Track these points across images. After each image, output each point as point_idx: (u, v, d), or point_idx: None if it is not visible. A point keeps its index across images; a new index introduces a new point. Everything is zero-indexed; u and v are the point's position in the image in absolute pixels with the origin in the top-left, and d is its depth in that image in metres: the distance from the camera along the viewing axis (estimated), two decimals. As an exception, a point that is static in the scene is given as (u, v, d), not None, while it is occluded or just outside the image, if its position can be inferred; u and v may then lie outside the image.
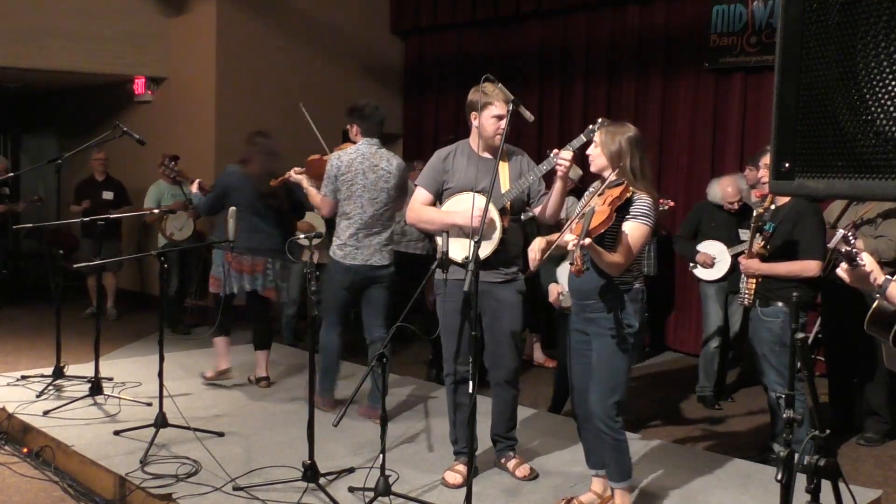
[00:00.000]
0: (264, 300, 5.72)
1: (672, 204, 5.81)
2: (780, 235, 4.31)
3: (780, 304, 4.27)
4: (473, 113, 3.99)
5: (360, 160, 4.93)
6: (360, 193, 4.90)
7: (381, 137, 5.12)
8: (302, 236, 4.24)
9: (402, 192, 5.09)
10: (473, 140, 4.07)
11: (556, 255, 5.27)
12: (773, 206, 4.35)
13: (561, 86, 8.87)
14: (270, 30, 9.26)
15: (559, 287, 4.97)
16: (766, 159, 4.40)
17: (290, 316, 7.58)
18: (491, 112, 3.92)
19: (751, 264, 4.33)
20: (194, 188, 5.72)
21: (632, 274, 3.52)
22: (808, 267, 4.28)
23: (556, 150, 3.82)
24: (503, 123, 3.87)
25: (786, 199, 4.33)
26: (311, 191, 5.20)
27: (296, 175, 5.29)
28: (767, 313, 4.33)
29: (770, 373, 4.37)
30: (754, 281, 4.35)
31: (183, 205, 7.90)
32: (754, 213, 4.41)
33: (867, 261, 2.36)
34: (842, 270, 2.39)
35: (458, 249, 3.88)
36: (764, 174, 4.51)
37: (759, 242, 4.34)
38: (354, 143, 5.13)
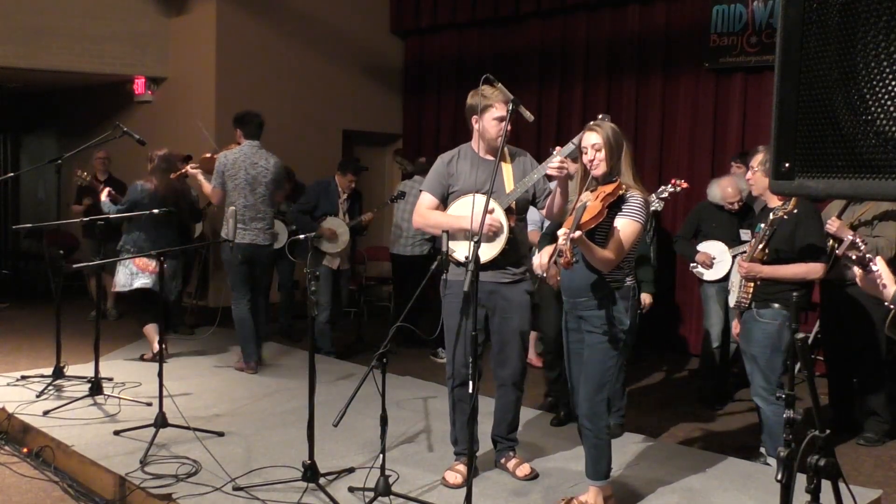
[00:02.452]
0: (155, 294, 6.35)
1: (686, 185, 5.66)
2: (780, 238, 4.20)
3: (776, 305, 4.16)
4: (474, 117, 3.99)
5: (243, 158, 6.03)
6: (243, 186, 6.00)
7: (261, 139, 6.19)
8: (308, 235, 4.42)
9: (278, 186, 6.29)
10: (475, 143, 4.08)
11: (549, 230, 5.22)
12: (794, 210, 4.11)
13: (561, 86, 8.88)
14: (270, 30, 9.26)
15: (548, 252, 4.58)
16: (755, 160, 4.32)
17: (323, 322, 7.03)
18: (492, 115, 3.92)
19: (752, 267, 4.20)
20: (104, 196, 6.47)
21: (623, 272, 3.52)
22: (814, 269, 4.17)
23: (558, 148, 3.83)
24: (504, 124, 3.88)
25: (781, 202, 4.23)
26: (204, 183, 6.21)
27: (191, 170, 6.29)
28: (764, 315, 4.19)
29: (756, 376, 4.24)
30: (752, 284, 4.24)
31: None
32: (770, 217, 4.19)
33: (880, 266, 2.36)
34: (856, 276, 2.39)
35: (466, 250, 3.87)
36: (749, 175, 4.39)
37: (759, 247, 4.21)
38: (240, 144, 6.18)
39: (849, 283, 5.04)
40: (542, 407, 5.43)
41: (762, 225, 4.25)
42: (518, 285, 4.03)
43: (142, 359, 6.52)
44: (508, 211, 3.95)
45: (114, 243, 8.60)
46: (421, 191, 4.17)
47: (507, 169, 4.02)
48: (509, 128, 3.87)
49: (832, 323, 5.40)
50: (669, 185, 5.56)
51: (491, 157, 3.99)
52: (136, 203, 6.11)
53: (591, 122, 3.60)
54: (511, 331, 4.03)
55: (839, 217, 5.00)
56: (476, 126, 4.01)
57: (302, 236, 4.28)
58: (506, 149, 4.03)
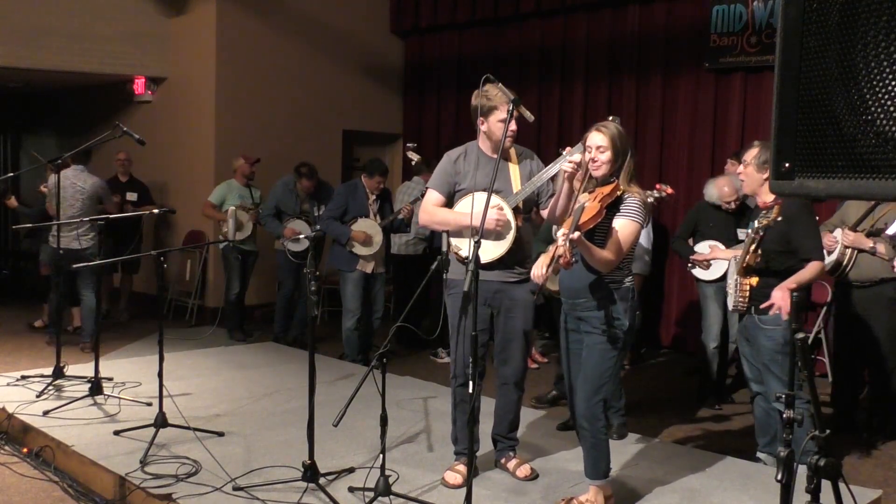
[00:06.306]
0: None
1: (671, 191, 5.64)
2: (771, 240, 4.10)
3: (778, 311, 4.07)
4: (480, 118, 3.99)
5: (64, 179, 6.91)
6: (62, 202, 6.87)
7: (87, 163, 7.39)
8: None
9: (96, 201, 7.37)
10: (482, 143, 4.07)
11: (547, 236, 5.21)
12: (778, 218, 3.96)
13: (561, 86, 8.88)
14: (270, 30, 9.26)
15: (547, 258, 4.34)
16: (749, 154, 4.24)
17: (351, 329, 6.82)
18: (497, 117, 3.92)
19: (787, 288, 3.98)
20: (12, 203, 7.80)
21: (622, 272, 3.52)
22: (820, 268, 4.10)
23: (568, 148, 3.83)
24: (511, 126, 3.88)
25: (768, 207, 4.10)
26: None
27: (42, 189, 7.60)
28: (766, 321, 4.12)
29: (773, 382, 4.16)
30: (748, 286, 4.17)
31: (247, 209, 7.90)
32: (756, 224, 4.06)
33: None
34: None
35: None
36: (741, 168, 4.22)
37: (751, 248, 4.10)
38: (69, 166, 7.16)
39: (867, 284, 5.05)
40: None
41: (756, 224, 4.18)
42: (523, 284, 4.04)
43: (33, 326, 7.99)
44: (515, 210, 3.97)
45: (129, 244, 8.63)
46: (427, 188, 4.17)
47: (513, 169, 4.04)
48: (515, 128, 3.86)
49: (845, 324, 5.38)
50: (655, 191, 5.56)
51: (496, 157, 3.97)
52: (42, 203, 7.41)
53: (599, 123, 3.62)
54: (515, 329, 4.04)
55: (854, 229, 5.00)
56: (482, 127, 4.01)
57: (302, 236, 4.26)
58: (513, 149, 4.04)
